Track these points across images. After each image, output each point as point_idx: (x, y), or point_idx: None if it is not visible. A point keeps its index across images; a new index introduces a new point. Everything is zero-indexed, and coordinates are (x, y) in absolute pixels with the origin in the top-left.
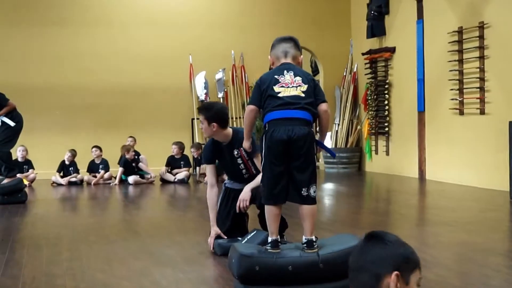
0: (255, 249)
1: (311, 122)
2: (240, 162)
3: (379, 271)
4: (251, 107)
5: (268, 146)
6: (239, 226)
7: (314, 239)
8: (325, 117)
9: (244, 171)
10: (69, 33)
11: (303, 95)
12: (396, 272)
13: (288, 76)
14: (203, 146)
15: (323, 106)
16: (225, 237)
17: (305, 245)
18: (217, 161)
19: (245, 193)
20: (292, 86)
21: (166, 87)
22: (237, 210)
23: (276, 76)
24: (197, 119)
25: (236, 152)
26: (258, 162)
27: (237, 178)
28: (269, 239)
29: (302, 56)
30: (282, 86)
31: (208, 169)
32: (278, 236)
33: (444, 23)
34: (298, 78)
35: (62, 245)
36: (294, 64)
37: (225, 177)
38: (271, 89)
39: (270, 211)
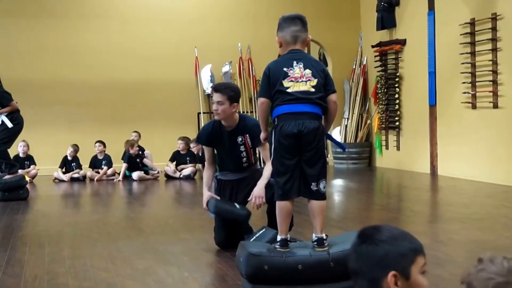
0: (264, 247)
1: (321, 116)
2: (243, 149)
3: (375, 275)
4: (262, 99)
5: (278, 140)
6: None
7: (324, 237)
8: (333, 108)
9: (245, 159)
10: (76, 27)
11: (313, 89)
12: (392, 273)
13: (297, 69)
14: None
15: (332, 97)
16: (218, 197)
17: (315, 243)
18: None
19: (260, 189)
20: (302, 81)
21: (172, 81)
22: (254, 207)
23: (285, 69)
24: (204, 113)
25: (240, 139)
26: (267, 152)
27: (233, 167)
28: (279, 238)
29: (310, 36)
30: (292, 81)
31: (205, 150)
32: (288, 235)
33: (455, 15)
34: (308, 72)
35: (65, 243)
36: (304, 51)
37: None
38: (280, 84)
39: (282, 207)
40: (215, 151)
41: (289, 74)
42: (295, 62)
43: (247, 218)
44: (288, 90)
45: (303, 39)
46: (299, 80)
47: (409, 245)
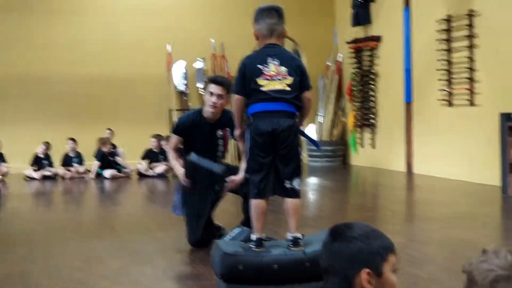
0: (239, 247)
1: (296, 114)
2: (221, 143)
3: (347, 272)
4: (237, 96)
5: (253, 138)
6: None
7: (300, 237)
8: (307, 105)
9: (219, 153)
10: (44, 21)
11: (288, 88)
12: (366, 270)
13: (272, 66)
14: None
15: (306, 94)
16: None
17: (290, 242)
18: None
19: (239, 177)
20: (277, 79)
21: (144, 77)
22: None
23: (260, 66)
24: (176, 110)
25: (220, 133)
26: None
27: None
28: (253, 237)
29: (287, 29)
30: (267, 79)
31: (175, 140)
32: (263, 234)
33: (432, 11)
34: (283, 69)
35: (37, 242)
36: (280, 45)
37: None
38: (254, 82)
39: (257, 206)
40: (188, 143)
41: (263, 71)
42: (270, 59)
43: (224, 173)
44: (263, 89)
45: (280, 32)
46: (274, 78)
47: (381, 243)
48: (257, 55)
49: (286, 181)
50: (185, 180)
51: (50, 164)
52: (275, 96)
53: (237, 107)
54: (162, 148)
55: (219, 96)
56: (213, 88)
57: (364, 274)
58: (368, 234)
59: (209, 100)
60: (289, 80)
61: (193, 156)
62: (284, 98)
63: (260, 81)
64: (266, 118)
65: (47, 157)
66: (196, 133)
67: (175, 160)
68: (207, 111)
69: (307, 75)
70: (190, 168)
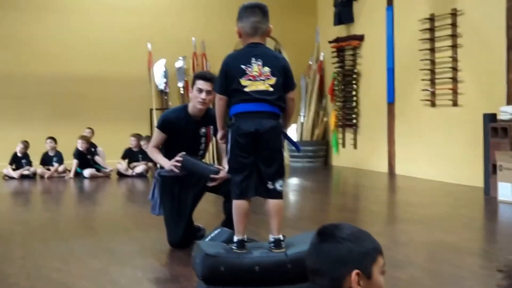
0: (221, 248)
1: (279, 114)
2: (203, 141)
3: (337, 273)
4: (220, 96)
5: (234, 138)
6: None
7: (281, 238)
8: (291, 105)
9: (201, 152)
10: (20, 17)
11: (271, 89)
12: (356, 271)
13: (256, 67)
14: None
15: (290, 94)
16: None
17: (272, 244)
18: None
19: (223, 172)
20: (260, 80)
21: (124, 76)
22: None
23: (243, 66)
24: (156, 109)
25: (203, 130)
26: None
27: None
28: (235, 238)
29: (271, 26)
30: (249, 79)
31: (158, 137)
32: (245, 236)
33: (415, 10)
34: (267, 70)
35: (15, 242)
36: (264, 45)
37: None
38: (237, 82)
39: (239, 206)
40: (170, 140)
41: (246, 72)
42: (253, 59)
43: (216, 173)
44: (246, 89)
45: (264, 30)
46: (257, 78)
47: (370, 244)
48: (240, 54)
49: (269, 182)
50: (176, 167)
51: (29, 163)
52: (257, 97)
53: (220, 107)
54: (142, 147)
55: (208, 92)
56: (202, 84)
57: (354, 275)
58: (357, 235)
59: (197, 96)
60: (272, 80)
61: (185, 157)
62: (266, 100)
63: (243, 81)
64: (248, 118)
65: (26, 156)
66: (180, 129)
67: (157, 153)
68: (195, 107)
69: (292, 75)
70: (186, 165)
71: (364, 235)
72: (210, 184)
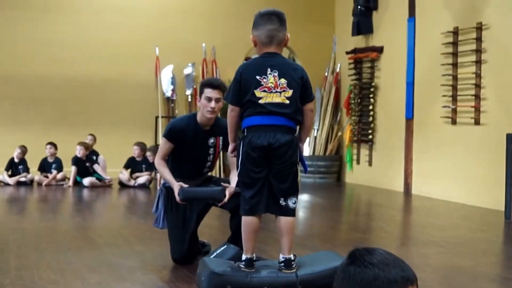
0: (227, 266)
1: (295, 129)
2: (212, 152)
3: None
4: (232, 107)
5: (246, 152)
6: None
7: (292, 258)
8: (309, 117)
9: (209, 163)
10: (23, 18)
11: (287, 101)
12: None
13: (271, 78)
14: None
15: (308, 105)
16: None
17: (282, 264)
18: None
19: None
20: (276, 91)
21: (130, 81)
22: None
23: (258, 77)
24: (162, 117)
25: (212, 141)
26: (235, 159)
27: (192, 173)
28: (244, 257)
29: (288, 34)
30: (264, 91)
31: (165, 147)
32: (254, 255)
33: (438, 22)
34: (283, 81)
35: (10, 252)
36: (280, 55)
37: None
38: (251, 94)
39: (248, 223)
40: (176, 152)
41: (262, 83)
42: (269, 70)
43: (223, 192)
44: (260, 102)
45: (280, 39)
46: (273, 90)
47: (400, 272)
48: (255, 64)
49: (281, 198)
50: (180, 201)
51: (26, 170)
52: (272, 110)
53: (232, 119)
54: (145, 156)
55: (217, 100)
56: (210, 92)
57: None
58: (387, 262)
59: (206, 105)
60: (289, 93)
61: (183, 192)
62: (282, 113)
63: (258, 93)
64: (262, 132)
65: (23, 162)
66: (188, 139)
67: (163, 167)
68: (204, 116)
69: (310, 85)
70: (187, 197)
71: (396, 262)
72: (219, 204)
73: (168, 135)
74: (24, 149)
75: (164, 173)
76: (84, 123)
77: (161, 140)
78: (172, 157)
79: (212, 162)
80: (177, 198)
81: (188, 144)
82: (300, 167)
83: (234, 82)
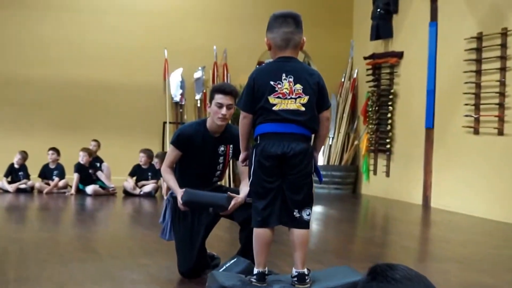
0: (238, 280)
1: (310, 137)
2: (221, 161)
3: None
4: (245, 114)
5: (258, 161)
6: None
7: (306, 272)
8: (325, 125)
9: (218, 173)
10: (30, 19)
11: (303, 108)
12: None
13: (286, 83)
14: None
15: (325, 113)
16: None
17: (295, 278)
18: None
19: (241, 195)
20: (291, 98)
21: (137, 84)
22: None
23: (272, 83)
24: (170, 122)
25: (222, 149)
26: (245, 168)
27: (200, 182)
28: (255, 271)
29: (304, 38)
30: (279, 97)
31: (173, 154)
32: (266, 268)
33: (461, 27)
34: (299, 87)
35: (9, 263)
36: (296, 59)
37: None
38: (265, 100)
39: (260, 235)
40: (184, 159)
41: (276, 89)
42: (284, 75)
43: (229, 200)
44: (274, 108)
45: (296, 42)
46: (288, 97)
47: None
48: (270, 69)
49: (295, 210)
50: (183, 207)
51: (26, 176)
52: (287, 117)
53: (244, 127)
54: (152, 164)
55: (229, 106)
56: (222, 98)
57: None
58: (410, 277)
59: (217, 112)
60: (305, 99)
61: (187, 194)
62: (297, 120)
63: (272, 99)
64: (275, 140)
65: (24, 168)
66: (197, 146)
67: (169, 174)
68: (214, 123)
69: (327, 92)
70: (189, 199)
71: (419, 278)
72: (221, 213)
73: (176, 142)
74: (24, 155)
75: (170, 180)
76: (88, 128)
77: (169, 148)
78: (180, 165)
79: (221, 171)
80: (180, 202)
81: (197, 151)
82: (314, 177)
83: (247, 88)
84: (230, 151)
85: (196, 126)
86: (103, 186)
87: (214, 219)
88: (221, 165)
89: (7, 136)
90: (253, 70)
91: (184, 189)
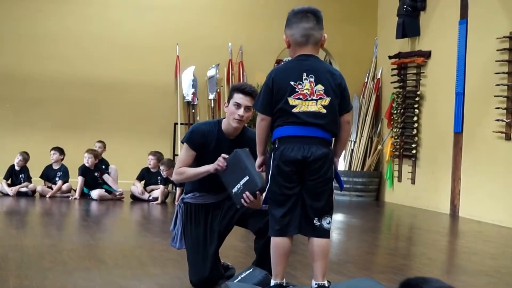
0: None
1: (331, 141)
2: None
3: None
4: (263, 116)
5: (277, 166)
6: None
7: (326, 284)
8: (346, 129)
9: None
10: (26, 10)
11: (324, 111)
12: None
13: (307, 84)
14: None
15: (346, 117)
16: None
17: None
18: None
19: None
20: (312, 99)
21: (146, 83)
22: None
23: (292, 83)
24: (181, 124)
25: None
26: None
27: (216, 186)
28: (272, 282)
29: (325, 35)
30: (299, 98)
31: (186, 154)
32: (284, 280)
33: (492, 26)
34: (320, 88)
35: (10, 271)
36: (317, 57)
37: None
38: (285, 102)
39: (278, 245)
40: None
41: (296, 90)
42: (305, 74)
43: (262, 189)
44: (294, 110)
45: (317, 39)
46: (308, 98)
47: None
48: (289, 68)
49: (315, 218)
50: (221, 163)
51: (28, 179)
52: (307, 120)
53: (261, 130)
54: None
55: (247, 108)
56: (241, 98)
57: None
58: None
59: (234, 112)
60: (326, 101)
61: (242, 151)
62: (318, 124)
63: (292, 100)
64: (295, 144)
65: (25, 170)
66: (210, 147)
67: (185, 169)
68: (230, 125)
69: (348, 94)
70: (232, 160)
71: None
72: (241, 204)
73: (189, 140)
74: (26, 156)
75: (190, 170)
76: (93, 129)
77: (182, 149)
78: (190, 167)
79: None
80: (224, 156)
81: (210, 153)
82: (335, 184)
83: (265, 88)
84: None
85: (211, 125)
86: (109, 190)
87: (228, 227)
88: None
89: (6, 136)
90: (272, 70)
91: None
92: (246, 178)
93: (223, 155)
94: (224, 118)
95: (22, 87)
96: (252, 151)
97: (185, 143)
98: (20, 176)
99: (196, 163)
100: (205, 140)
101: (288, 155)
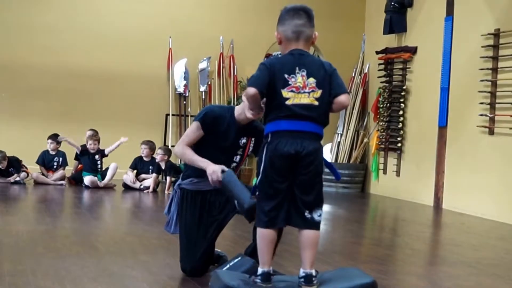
0: (241, 279)
1: (322, 136)
2: (240, 153)
3: None
4: (253, 89)
5: (270, 159)
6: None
7: (314, 273)
8: (337, 109)
9: (234, 165)
10: (24, 1)
11: (316, 103)
12: None
13: (299, 77)
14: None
15: (341, 98)
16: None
17: (302, 279)
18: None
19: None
20: (304, 92)
21: (138, 74)
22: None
23: (286, 76)
24: (172, 115)
25: (243, 141)
26: None
27: None
28: (260, 270)
29: (316, 33)
30: (292, 91)
31: (195, 131)
32: (271, 268)
33: (478, 23)
34: (312, 81)
35: (4, 256)
36: (308, 52)
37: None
38: (278, 94)
39: (264, 236)
40: (201, 145)
41: (290, 82)
42: (297, 69)
43: (251, 207)
44: (287, 103)
45: (308, 35)
46: (301, 91)
47: None
48: (283, 61)
49: (306, 211)
50: (216, 183)
51: (17, 171)
52: (301, 113)
53: (252, 99)
54: (153, 157)
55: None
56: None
57: None
58: None
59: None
60: (318, 93)
61: (230, 175)
62: (311, 117)
63: (285, 93)
64: (288, 138)
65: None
66: (220, 131)
67: (191, 152)
68: (243, 114)
69: (340, 79)
70: (226, 181)
71: None
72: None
73: (202, 119)
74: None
75: (194, 159)
76: (86, 118)
77: (192, 125)
78: (195, 149)
79: (238, 164)
80: (217, 176)
81: (219, 137)
82: (331, 176)
83: (262, 68)
84: (251, 145)
85: (225, 110)
86: (99, 179)
87: (228, 215)
88: (238, 157)
89: (1, 124)
90: (266, 59)
91: (227, 169)
92: (235, 201)
93: (219, 174)
94: (238, 105)
95: (17, 77)
96: (258, 141)
97: (197, 122)
98: (10, 169)
99: (203, 143)
100: (216, 124)
101: (281, 150)
